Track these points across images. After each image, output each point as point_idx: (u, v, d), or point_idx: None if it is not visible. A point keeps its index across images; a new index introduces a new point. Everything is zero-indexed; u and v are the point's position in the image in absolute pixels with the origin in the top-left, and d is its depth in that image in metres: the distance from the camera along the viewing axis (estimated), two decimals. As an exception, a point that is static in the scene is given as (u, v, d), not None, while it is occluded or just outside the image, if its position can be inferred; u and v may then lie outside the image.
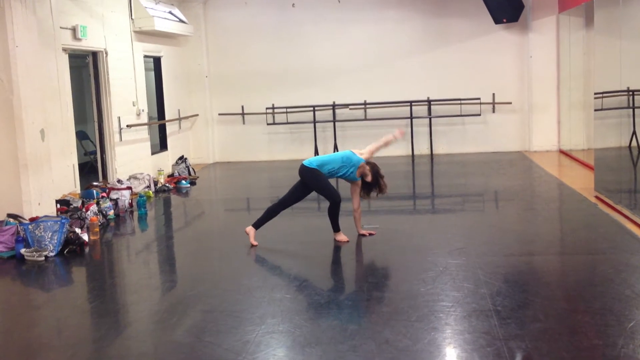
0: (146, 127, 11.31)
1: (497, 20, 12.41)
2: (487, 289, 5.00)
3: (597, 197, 8.22)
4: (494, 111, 13.17)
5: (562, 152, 12.67)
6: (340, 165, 6.58)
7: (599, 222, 7.16)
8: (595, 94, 8.90)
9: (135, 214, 8.69)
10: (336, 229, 6.76)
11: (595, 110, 8.94)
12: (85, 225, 7.41)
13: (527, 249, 6.36)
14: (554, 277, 5.60)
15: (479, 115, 12.98)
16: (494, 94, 13.05)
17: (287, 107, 13.32)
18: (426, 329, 4.31)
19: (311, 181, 6.65)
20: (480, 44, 13.04)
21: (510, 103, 13.07)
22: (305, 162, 6.70)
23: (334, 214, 6.71)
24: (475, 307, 4.65)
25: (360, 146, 7.02)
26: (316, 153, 13.27)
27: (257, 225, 6.77)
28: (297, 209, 7.15)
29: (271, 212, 6.79)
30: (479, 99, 12.90)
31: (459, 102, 12.92)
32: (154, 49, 11.85)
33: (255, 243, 6.67)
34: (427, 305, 4.74)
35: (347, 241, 6.67)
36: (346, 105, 13.28)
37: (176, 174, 11.59)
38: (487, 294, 4.90)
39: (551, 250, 6.35)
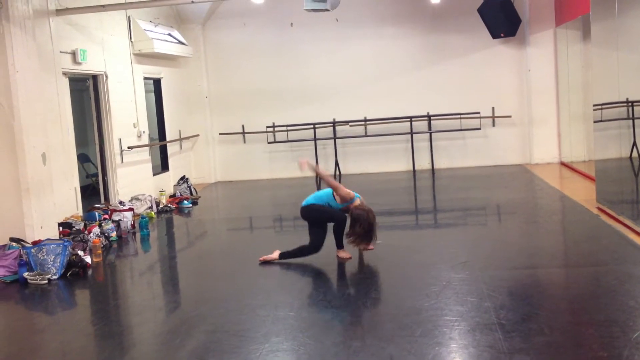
0: (147, 148, 11.35)
1: (495, 35, 12.47)
2: (491, 303, 4.98)
3: (599, 209, 8.21)
4: (494, 125, 13.20)
5: (563, 164, 12.68)
6: (325, 199, 6.72)
7: (602, 234, 7.15)
8: (594, 105, 8.92)
9: (138, 235, 8.70)
10: (339, 245, 6.76)
11: (595, 121, 8.96)
12: (87, 248, 7.42)
13: (530, 262, 6.35)
14: (558, 289, 5.59)
15: (479, 129, 13.02)
16: (493, 108, 13.09)
17: (287, 125, 13.37)
18: (430, 344, 4.29)
19: (314, 216, 6.72)
20: (478, 58, 13.10)
21: (510, 116, 13.10)
22: (303, 204, 6.80)
23: (339, 232, 6.72)
24: (479, 321, 4.64)
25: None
26: (317, 170, 13.30)
27: (282, 256, 6.78)
28: (301, 226, 7.16)
29: (300, 252, 6.75)
30: (478, 113, 12.94)
31: (458, 116, 12.96)
32: (153, 70, 11.92)
33: (263, 258, 6.75)
34: (431, 320, 4.73)
35: (350, 258, 6.67)
36: (346, 122, 13.32)
37: (178, 194, 11.61)
38: (491, 307, 4.89)
39: (554, 263, 6.34)
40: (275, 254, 6.80)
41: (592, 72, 9.97)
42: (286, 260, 6.74)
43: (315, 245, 6.68)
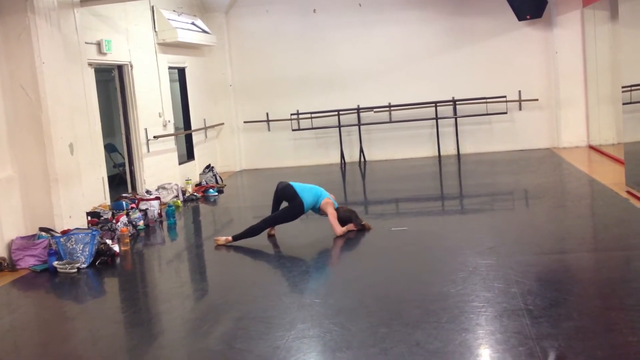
0: (173, 137, 11.42)
1: (521, 17, 12.30)
2: (519, 288, 4.94)
3: (628, 192, 8.07)
4: (520, 109, 13.04)
5: (591, 147, 12.49)
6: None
7: (632, 218, 7.04)
8: (623, 87, 8.76)
9: (165, 223, 8.78)
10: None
11: (624, 103, 8.81)
12: (115, 237, 7.51)
13: (558, 247, 6.28)
14: (587, 274, 5.52)
15: (506, 113, 12.87)
16: (520, 92, 12.92)
17: (311, 113, 13.35)
18: (457, 330, 4.27)
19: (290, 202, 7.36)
20: (504, 41, 12.93)
21: (537, 100, 12.93)
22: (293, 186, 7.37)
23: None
24: (507, 306, 4.60)
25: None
26: (342, 157, 13.28)
27: (235, 238, 7.26)
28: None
29: (251, 232, 7.28)
30: (504, 97, 12.79)
31: (484, 100, 12.82)
32: (178, 60, 11.97)
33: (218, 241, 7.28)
34: (458, 306, 4.70)
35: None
36: (371, 109, 13.26)
37: (204, 182, 11.68)
38: (518, 293, 4.84)
39: (583, 248, 6.26)
40: (229, 238, 7.25)
41: (620, 53, 9.79)
42: (311, 249, 6.75)
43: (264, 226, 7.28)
